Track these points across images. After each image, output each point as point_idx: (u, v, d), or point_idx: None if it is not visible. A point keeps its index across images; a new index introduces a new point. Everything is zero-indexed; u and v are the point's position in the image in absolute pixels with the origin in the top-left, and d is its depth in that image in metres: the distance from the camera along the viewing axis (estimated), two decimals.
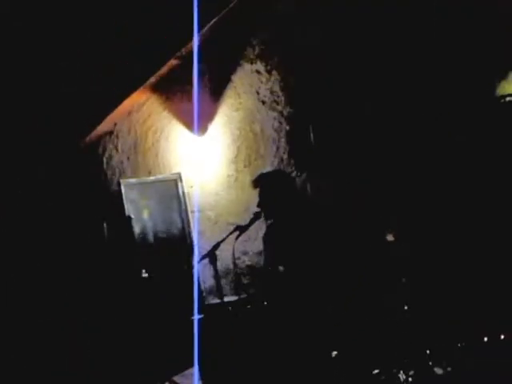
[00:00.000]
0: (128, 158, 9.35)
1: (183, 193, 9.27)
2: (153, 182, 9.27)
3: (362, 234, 7.30)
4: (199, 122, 9.03)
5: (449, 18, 7.98)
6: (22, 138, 8.35)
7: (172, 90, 9.30)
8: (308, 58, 8.86)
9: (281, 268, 6.80)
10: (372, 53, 8.29)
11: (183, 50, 8.57)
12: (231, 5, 8.36)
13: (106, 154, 9.30)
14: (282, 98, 9.30)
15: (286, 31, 8.99)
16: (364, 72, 8.37)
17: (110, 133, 9.31)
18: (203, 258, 6.82)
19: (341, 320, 6.49)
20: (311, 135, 8.83)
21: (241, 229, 6.64)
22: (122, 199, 8.97)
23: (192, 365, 6.62)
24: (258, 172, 7.46)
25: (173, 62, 8.77)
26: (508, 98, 7.55)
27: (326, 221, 6.79)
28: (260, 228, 8.94)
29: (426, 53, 8.03)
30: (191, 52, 8.18)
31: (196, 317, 6.83)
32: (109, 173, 9.26)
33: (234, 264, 7.19)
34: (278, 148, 9.26)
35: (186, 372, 7.41)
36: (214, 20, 8.37)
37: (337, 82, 8.63)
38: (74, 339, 8.00)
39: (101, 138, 9.25)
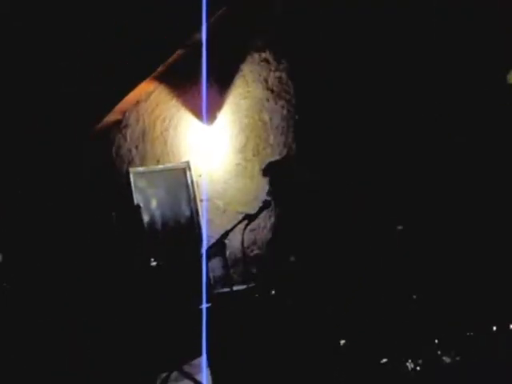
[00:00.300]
0: (136, 147, 9.36)
1: (192, 181, 9.29)
2: (161, 171, 9.29)
3: (371, 223, 7.29)
4: (208, 111, 9.03)
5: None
6: (31, 130, 8.37)
7: (180, 79, 9.29)
8: (317, 47, 8.85)
9: (292, 258, 6.81)
10: (373, 52, 8.30)
11: (191, 39, 8.56)
12: None
13: (115, 144, 9.32)
14: (291, 87, 9.29)
15: (295, 20, 8.97)
16: (369, 70, 8.37)
17: (119, 122, 9.32)
18: (212, 246, 6.83)
19: (349, 309, 6.50)
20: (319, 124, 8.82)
21: (250, 217, 6.62)
22: (130, 188, 8.99)
23: (200, 354, 6.63)
24: (267, 161, 7.46)
25: (181, 51, 8.77)
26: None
27: (333, 210, 6.79)
28: (269, 217, 8.99)
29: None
30: (199, 41, 8.18)
31: (204, 306, 6.83)
32: (117, 162, 9.28)
33: (243, 253, 7.19)
34: (286, 137, 9.25)
35: (195, 361, 7.43)
36: (223, 9, 8.36)
37: (345, 72, 8.63)
38: (83, 329, 8.03)
39: (109, 127, 9.27)
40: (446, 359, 6.10)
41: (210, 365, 6.91)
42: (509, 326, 6.25)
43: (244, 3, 8.68)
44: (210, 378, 6.93)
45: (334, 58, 8.63)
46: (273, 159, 6.80)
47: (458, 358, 6.08)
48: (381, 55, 8.09)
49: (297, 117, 8.43)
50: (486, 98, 7.56)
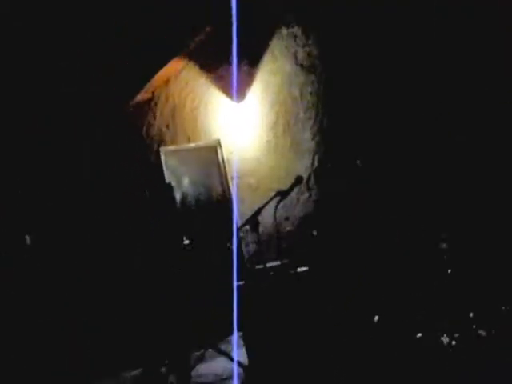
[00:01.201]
0: (167, 126, 9.35)
1: (223, 159, 9.29)
2: (192, 149, 9.29)
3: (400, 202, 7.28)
4: (237, 88, 9.01)
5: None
6: (62, 110, 8.42)
7: (209, 57, 9.27)
8: (345, 21, 8.80)
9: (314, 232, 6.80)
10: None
11: (220, 15, 8.52)
12: None
13: (145, 123, 9.31)
14: (320, 62, 9.24)
15: None
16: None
17: (149, 101, 9.31)
18: (245, 224, 6.82)
19: (382, 284, 6.49)
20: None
21: (282, 194, 6.61)
22: (161, 167, 9.01)
23: (236, 331, 6.65)
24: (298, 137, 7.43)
25: (209, 28, 8.74)
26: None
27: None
28: (301, 193, 8.98)
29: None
30: (228, 18, 8.14)
31: (237, 283, 6.84)
32: (148, 141, 9.29)
33: (276, 229, 7.18)
34: (317, 112, 9.22)
35: (229, 338, 7.47)
36: None
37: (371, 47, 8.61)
38: (116, 307, 8.11)
39: (139, 106, 9.26)
40: (482, 333, 6.07)
41: (245, 342, 6.93)
42: None
43: None
44: (244, 355, 6.95)
45: (360, 33, 8.61)
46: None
47: (493, 332, 6.04)
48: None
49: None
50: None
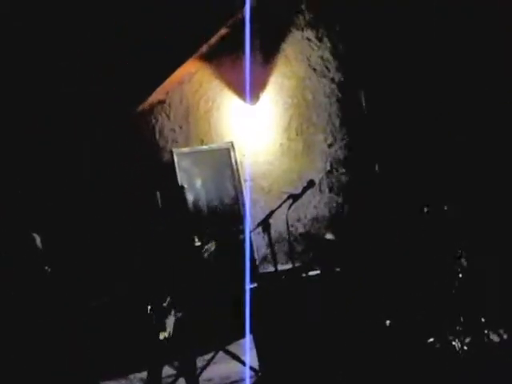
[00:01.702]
0: (180, 127, 9.38)
1: (236, 162, 9.29)
2: (205, 151, 9.30)
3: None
4: (251, 91, 9.01)
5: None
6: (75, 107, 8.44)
7: (223, 59, 9.29)
8: (358, 25, 8.82)
9: (329, 236, 6.78)
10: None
11: (234, 18, 8.55)
12: None
13: (159, 124, 9.34)
14: (333, 65, 9.24)
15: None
16: None
17: (162, 102, 9.34)
18: (257, 226, 6.83)
19: (394, 289, 6.48)
20: (363, 102, 8.77)
21: (294, 197, 6.61)
22: (174, 168, 9.02)
23: (245, 334, 6.65)
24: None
25: (223, 31, 8.76)
26: None
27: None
28: (313, 196, 8.98)
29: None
30: (242, 21, 8.16)
31: (249, 285, 6.84)
32: (161, 142, 9.31)
33: (288, 232, 7.19)
34: (330, 115, 9.21)
35: (240, 341, 7.46)
36: None
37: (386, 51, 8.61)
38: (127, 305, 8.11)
39: (153, 107, 9.30)
40: (494, 337, 6.06)
41: (256, 345, 6.93)
42: None
43: None
44: (255, 358, 6.95)
45: (373, 36, 8.61)
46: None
47: (505, 337, 6.03)
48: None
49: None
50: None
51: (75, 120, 8.43)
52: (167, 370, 7.07)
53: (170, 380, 7.09)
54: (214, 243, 6.85)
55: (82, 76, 8.41)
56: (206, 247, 6.79)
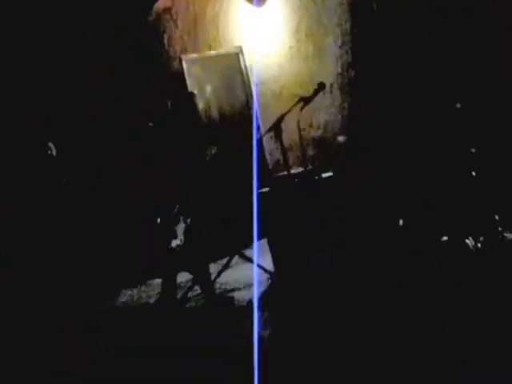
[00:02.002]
0: (188, 34, 9.25)
1: (245, 66, 9.21)
2: (214, 57, 9.21)
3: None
4: None
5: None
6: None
7: None
8: None
9: (341, 138, 6.75)
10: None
11: None
12: None
13: (167, 31, 9.20)
14: None
15: None
16: None
17: (169, 9, 9.18)
18: (268, 130, 6.80)
19: (407, 188, 6.47)
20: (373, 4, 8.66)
21: (305, 100, 6.56)
22: (183, 75, 8.95)
23: (261, 238, 6.68)
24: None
25: None
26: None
27: None
28: (325, 99, 8.91)
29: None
30: None
31: (261, 190, 6.85)
32: (170, 50, 9.19)
33: (300, 136, 7.16)
34: (339, 17, 9.07)
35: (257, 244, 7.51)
36: None
37: None
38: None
39: (160, 15, 9.14)
40: (509, 235, 6.06)
41: (271, 249, 6.98)
42: None
43: None
44: (271, 261, 7.02)
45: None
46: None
47: None
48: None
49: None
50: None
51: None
52: (183, 276, 7.16)
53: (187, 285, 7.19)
54: (215, 147, 6.81)
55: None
56: (207, 152, 6.76)
